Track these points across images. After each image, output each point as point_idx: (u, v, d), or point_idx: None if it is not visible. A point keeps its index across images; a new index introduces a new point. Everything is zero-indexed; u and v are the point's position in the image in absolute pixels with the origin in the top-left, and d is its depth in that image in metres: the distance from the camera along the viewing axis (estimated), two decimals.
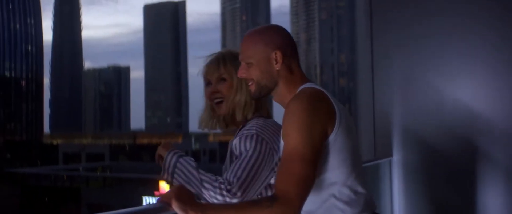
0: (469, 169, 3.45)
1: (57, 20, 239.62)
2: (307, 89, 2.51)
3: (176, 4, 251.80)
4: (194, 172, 2.54)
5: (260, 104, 2.82)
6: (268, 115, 2.85)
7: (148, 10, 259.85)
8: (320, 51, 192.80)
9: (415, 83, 3.46)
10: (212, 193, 2.46)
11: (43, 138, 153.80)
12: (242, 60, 2.63)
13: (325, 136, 2.40)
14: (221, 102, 2.81)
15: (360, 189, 2.49)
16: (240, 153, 2.59)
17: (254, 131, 2.62)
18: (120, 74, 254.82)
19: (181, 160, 2.61)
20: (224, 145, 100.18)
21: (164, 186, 42.26)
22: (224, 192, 2.45)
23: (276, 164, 2.59)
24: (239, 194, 2.45)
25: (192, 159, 2.62)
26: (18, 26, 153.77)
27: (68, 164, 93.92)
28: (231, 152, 2.68)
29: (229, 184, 2.47)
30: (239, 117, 2.78)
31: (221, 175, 2.59)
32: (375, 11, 3.55)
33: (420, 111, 3.49)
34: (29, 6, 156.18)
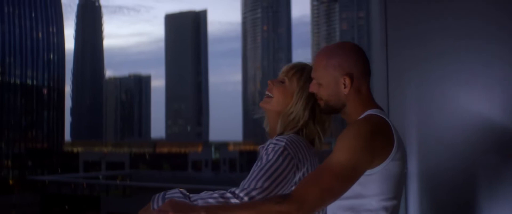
0: (489, 184, 3.45)
1: (79, 29, 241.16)
2: (373, 117, 2.53)
3: (197, 13, 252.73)
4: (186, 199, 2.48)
5: (307, 126, 2.77)
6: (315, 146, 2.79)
7: (169, 19, 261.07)
8: None
9: (430, 98, 3.48)
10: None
11: (64, 145, 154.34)
12: (313, 78, 2.67)
13: (370, 164, 2.43)
14: (269, 97, 2.81)
15: None
16: (261, 160, 2.56)
17: (283, 144, 2.59)
18: (141, 83, 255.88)
19: (166, 195, 2.55)
20: (244, 154, 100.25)
21: None
22: (238, 195, 2.43)
23: (296, 183, 2.56)
24: (253, 193, 2.42)
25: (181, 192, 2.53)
26: (40, 34, 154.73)
27: (88, 172, 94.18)
28: (258, 156, 2.66)
29: (243, 190, 2.45)
30: (279, 128, 2.76)
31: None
32: (390, 26, 3.58)
33: (437, 125, 3.51)
34: (52, 15, 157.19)
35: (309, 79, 2.72)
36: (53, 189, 74.07)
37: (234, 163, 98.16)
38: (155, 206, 2.52)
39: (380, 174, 2.45)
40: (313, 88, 2.66)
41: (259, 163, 2.56)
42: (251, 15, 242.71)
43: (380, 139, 2.45)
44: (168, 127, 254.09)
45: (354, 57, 2.61)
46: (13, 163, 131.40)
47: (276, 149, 2.57)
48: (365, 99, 2.62)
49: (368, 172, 2.44)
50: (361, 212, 2.48)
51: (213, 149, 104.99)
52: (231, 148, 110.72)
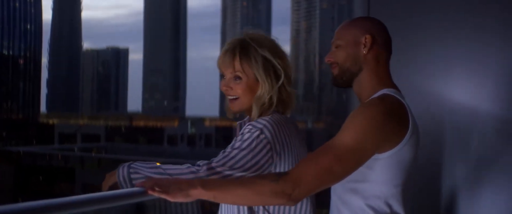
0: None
1: (56, 0, 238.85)
2: (389, 97, 2.37)
3: None
4: (152, 168, 2.43)
5: (281, 102, 2.64)
6: (289, 112, 2.69)
7: None
8: (320, 41, 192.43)
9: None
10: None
11: (39, 117, 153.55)
12: (333, 44, 2.53)
13: (377, 149, 2.27)
14: (235, 99, 2.62)
15: (399, 209, 2.37)
16: (236, 141, 2.48)
17: (260, 126, 2.48)
18: (118, 56, 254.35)
19: (132, 165, 2.47)
20: (220, 130, 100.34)
21: None
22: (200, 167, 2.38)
23: (275, 165, 2.49)
24: (218, 169, 2.37)
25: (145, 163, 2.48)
26: (17, 4, 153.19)
27: (63, 144, 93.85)
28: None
29: (209, 163, 2.40)
30: (255, 114, 2.59)
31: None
32: (373, 6, 3.55)
33: (416, 103, 3.50)
34: None
35: (251, 49, 2.57)
36: (28, 160, 73.69)
37: (210, 138, 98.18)
38: (121, 173, 2.46)
39: (391, 159, 2.29)
40: (329, 57, 2.53)
41: (233, 144, 2.48)
42: None
43: (394, 122, 2.28)
44: (144, 100, 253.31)
45: (380, 26, 2.50)
46: None
47: (252, 130, 2.47)
48: (382, 73, 2.48)
49: (378, 156, 2.29)
50: (369, 198, 2.36)
51: (189, 124, 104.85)
52: (207, 123, 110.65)
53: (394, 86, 2.47)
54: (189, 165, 2.41)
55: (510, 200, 3.27)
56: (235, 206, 2.54)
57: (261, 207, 2.52)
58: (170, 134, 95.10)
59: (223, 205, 2.62)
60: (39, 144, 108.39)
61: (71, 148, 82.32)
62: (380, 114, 2.26)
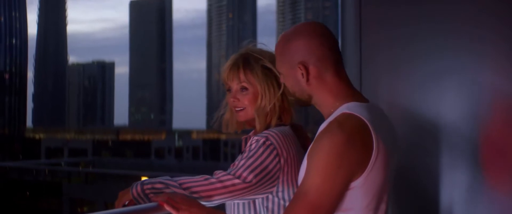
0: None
1: (42, 14, 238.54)
2: (349, 119, 2.18)
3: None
4: (169, 181, 2.48)
5: (284, 109, 2.68)
6: (291, 121, 2.72)
7: (134, 5, 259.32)
8: None
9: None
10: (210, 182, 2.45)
11: (25, 132, 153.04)
12: (277, 68, 2.47)
13: (350, 180, 2.14)
14: (241, 110, 2.67)
15: None
16: (243, 155, 2.52)
17: (266, 135, 2.52)
18: (104, 70, 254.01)
19: (145, 181, 2.51)
20: (208, 142, 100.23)
21: None
22: (233, 177, 2.44)
23: (283, 171, 2.51)
24: (249, 178, 2.43)
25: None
26: (2, 19, 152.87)
27: (50, 158, 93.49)
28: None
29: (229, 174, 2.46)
30: (259, 125, 2.64)
31: (204, 173, 2.53)
32: (365, 11, 3.53)
33: (406, 109, 3.48)
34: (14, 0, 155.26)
35: (253, 60, 2.64)
36: (15, 176, 73.42)
37: (198, 151, 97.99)
38: (135, 192, 2.47)
39: (364, 186, 2.17)
40: (281, 79, 2.46)
41: (244, 155, 2.51)
42: (216, 2, 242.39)
43: (358, 148, 2.13)
44: (131, 114, 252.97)
45: (313, 40, 2.31)
46: None
47: (257, 140, 2.51)
48: (333, 89, 2.31)
49: (351, 184, 2.16)
50: None
51: (176, 137, 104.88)
52: (194, 136, 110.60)
53: (353, 95, 2.33)
54: (207, 176, 2.48)
55: (508, 209, 3.26)
56: (237, 208, 2.61)
57: (262, 207, 2.57)
58: (157, 147, 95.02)
59: (228, 206, 2.67)
60: (25, 158, 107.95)
61: (58, 163, 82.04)
62: (340, 145, 2.11)
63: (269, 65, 2.62)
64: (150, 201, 2.43)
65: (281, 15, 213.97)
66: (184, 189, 2.43)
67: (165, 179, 2.48)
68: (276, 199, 2.52)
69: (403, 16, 3.50)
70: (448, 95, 3.37)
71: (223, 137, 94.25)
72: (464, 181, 3.34)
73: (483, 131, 3.33)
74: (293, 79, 2.34)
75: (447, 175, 3.38)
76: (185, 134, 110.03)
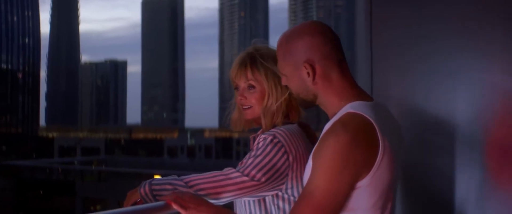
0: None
1: (54, 13, 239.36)
2: (353, 119, 2.15)
3: None
4: (176, 181, 2.49)
5: (291, 108, 2.68)
6: (299, 119, 2.72)
7: (147, 4, 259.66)
8: None
9: (412, 82, 3.45)
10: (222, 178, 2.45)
11: (38, 131, 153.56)
12: (279, 70, 2.44)
13: (355, 180, 2.12)
14: (249, 108, 2.68)
15: None
16: (251, 153, 2.53)
17: (273, 132, 2.52)
18: (117, 69, 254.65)
19: (153, 181, 2.52)
20: (220, 141, 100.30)
21: None
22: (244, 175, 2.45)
23: (292, 168, 2.51)
24: (258, 177, 2.43)
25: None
26: (15, 18, 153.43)
27: (63, 157, 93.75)
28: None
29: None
30: (266, 124, 2.64)
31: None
32: (375, 10, 3.53)
33: (417, 108, 3.48)
34: None
35: (259, 59, 2.64)
36: (28, 174, 73.59)
37: (210, 149, 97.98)
38: (142, 191, 2.48)
39: (370, 185, 2.14)
40: (283, 81, 2.41)
41: (252, 154, 2.51)
42: (228, 0, 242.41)
43: (362, 148, 2.10)
44: (143, 113, 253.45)
45: (316, 39, 2.28)
46: None
47: (264, 139, 2.51)
48: (339, 89, 2.27)
49: (357, 184, 2.14)
50: None
51: (189, 135, 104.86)
52: (207, 134, 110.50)
53: (359, 95, 2.30)
54: (216, 173, 2.50)
55: None
56: (247, 205, 2.62)
57: (272, 205, 2.56)
58: (170, 146, 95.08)
59: (238, 203, 2.68)
60: (39, 157, 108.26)
61: (71, 161, 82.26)
62: (345, 145, 2.08)
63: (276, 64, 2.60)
64: (157, 201, 2.44)
65: (293, 13, 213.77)
66: (190, 187, 2.43)
67: (172, 179, 2.48)
68: (285, 196, 2.51)
69: (414, 17, 3.50)
70: (459, 95, 3.37)
71: (235, 135, 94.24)
72: (476, 180, 3.34)
73: (493, 130, 3.33)
74: (298, 79, 2.30)
75: (459, 174, 3.38)
76: (198, 132, 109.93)
